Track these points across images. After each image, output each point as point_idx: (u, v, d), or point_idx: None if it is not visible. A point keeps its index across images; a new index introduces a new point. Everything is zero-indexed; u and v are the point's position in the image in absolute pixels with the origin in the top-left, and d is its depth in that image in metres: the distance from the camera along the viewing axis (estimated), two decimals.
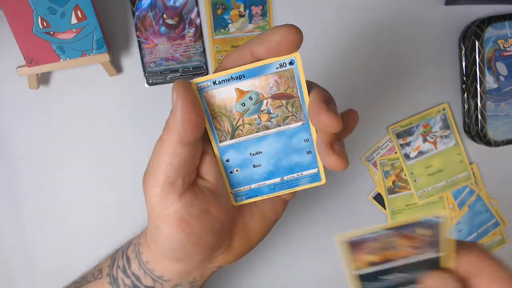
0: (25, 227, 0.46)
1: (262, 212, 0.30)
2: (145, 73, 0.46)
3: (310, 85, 0.25)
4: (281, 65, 0.24)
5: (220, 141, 0.26)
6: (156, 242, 0.27)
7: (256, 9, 0.46)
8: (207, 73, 0.46)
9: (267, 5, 0.46)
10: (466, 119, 0.49)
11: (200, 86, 0.24)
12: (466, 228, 0.51)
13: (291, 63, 0.24)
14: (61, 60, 0.41)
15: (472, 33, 0.46)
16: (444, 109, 0.49)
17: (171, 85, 0.46)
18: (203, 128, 0.24)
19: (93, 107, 0.45)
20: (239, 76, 0.24)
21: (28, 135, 0.45)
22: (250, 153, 0.26)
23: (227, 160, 0.27)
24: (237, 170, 0.27)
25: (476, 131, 0.48)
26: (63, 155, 0.45)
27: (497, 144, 0.47)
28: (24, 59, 0.40)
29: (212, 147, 0.26)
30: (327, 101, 0.24)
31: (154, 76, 0.46)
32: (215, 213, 0.27)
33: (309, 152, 0.26)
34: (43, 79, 0.45)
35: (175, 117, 0.23)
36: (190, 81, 0.24)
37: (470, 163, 0.50)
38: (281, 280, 0.49)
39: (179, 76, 0.46)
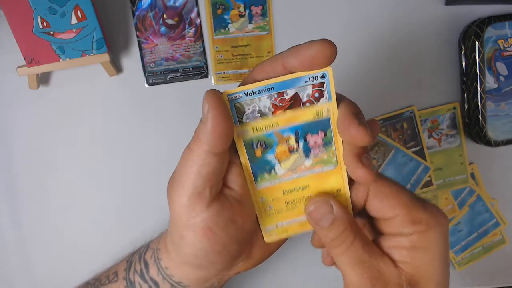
0: (24, 227, 0.45)
1: None
2: (145, 73, 0.46)
3: (339, 98, 0.25)
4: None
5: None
6: (179, 249, 0.27)
7: (256, 9, 0.46)
8: (207, 73, 0.46)
9: (267, 5, 0.46)
10: (466, 119, 0.49)
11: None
12: (466, 228, 0.51)
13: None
14: (61, 60, 0.41)
15: (472, 33, 0.46)
16: (454, 108, 0.49)
17: (171, 85, 0.46)
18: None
19: (93, 107, 0.45)
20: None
21: (28, 135, 0.45)
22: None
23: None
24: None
25: (476, 131, 0.48)
26: (63, 155, 0.45)
27: (497, 144, 0.47)
28: (24, 59, 0.40)
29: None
30: (357, 114, 0.24)
31: (154, 76, 0.46)
32: (241, 223, 0.27)
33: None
34: (43, 79, 0.45)
35: (205, 127, 0.23)
36: (221, 91, 0.24)
37: (470, 163, 0.50)
38: (282, 281, 0.49)
39: (179, 76, 0.46)
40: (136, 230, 0.41)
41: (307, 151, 0.26)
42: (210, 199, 0.25)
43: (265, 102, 0.24)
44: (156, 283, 0.29)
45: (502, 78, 0.47)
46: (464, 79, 0.48)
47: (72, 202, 0.46)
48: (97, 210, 0.46)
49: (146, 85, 0.46)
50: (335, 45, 0.22)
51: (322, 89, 0.24)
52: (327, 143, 0.25)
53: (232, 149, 0.26)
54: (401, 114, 0.49)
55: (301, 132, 0.25)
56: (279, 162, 0.26)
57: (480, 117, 0.47)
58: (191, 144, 0.25)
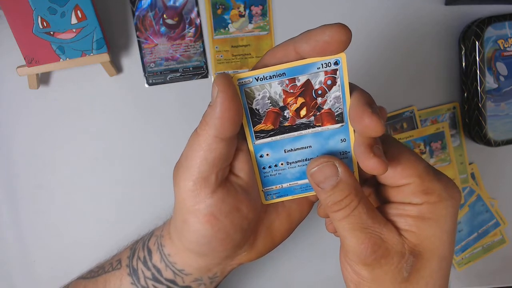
0: (24, 227, 0.45)
1: (288, 211, 0.29)
2: (145, 73, 0.46)
3: (352, 87, 0.24)
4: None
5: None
6: (182, 235, 0.27)
7: (256, 9, 0.46)
8: (207, 73, 0.46)
9: (267, 5, 0.46)
10: (466, 119, 0.49)
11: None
12: (466, 228, 0.51)
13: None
14: (61, 60, 0.41)
15: (472, 33, 0.46)
16: (454, 107, 0.49)
17: (171, 85, 0.46)
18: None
19: (93, 107, 0.45)
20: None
21: (28, 135, 0.45)
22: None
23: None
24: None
25: (476, 131, 0.48)
26: (63, 155, 0.45)
27: (497, 144, 0.47)
28: (24, 59, 0.40)
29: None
30: (370, 104, 0.23)
31: (154, 76, 0.46)
32: (245, 211, 0.26)
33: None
34: (43, 79, 0.45)
35: (214, 112, 0.23)
36: (232, 75, 0.24)
37: (470, 163, 0.50)
38: (284, 281, 0.49)
39: (179, 76, 0.46)
40: (135, 229, 0.41)
41: None
42: (215, 185, 0.25)
43: (276, 88, 0.24)
44: (158, 270, 0.29)
45: (502, 78, 0.47)
46: (464, 79, 0.48)
47: (72, 202, 0.46)
48: (97, 210, 0.46)
49: (146, 85, 0.46)
50: (349, 30, 0.21)
51: (335, 76, 0.23)
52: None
53: (241, 136, 0.25)
54: (401, 114, 0.49)
55: None
56: None
57: (480, 117, 0.47)
58: (198, 128, 0.24)
